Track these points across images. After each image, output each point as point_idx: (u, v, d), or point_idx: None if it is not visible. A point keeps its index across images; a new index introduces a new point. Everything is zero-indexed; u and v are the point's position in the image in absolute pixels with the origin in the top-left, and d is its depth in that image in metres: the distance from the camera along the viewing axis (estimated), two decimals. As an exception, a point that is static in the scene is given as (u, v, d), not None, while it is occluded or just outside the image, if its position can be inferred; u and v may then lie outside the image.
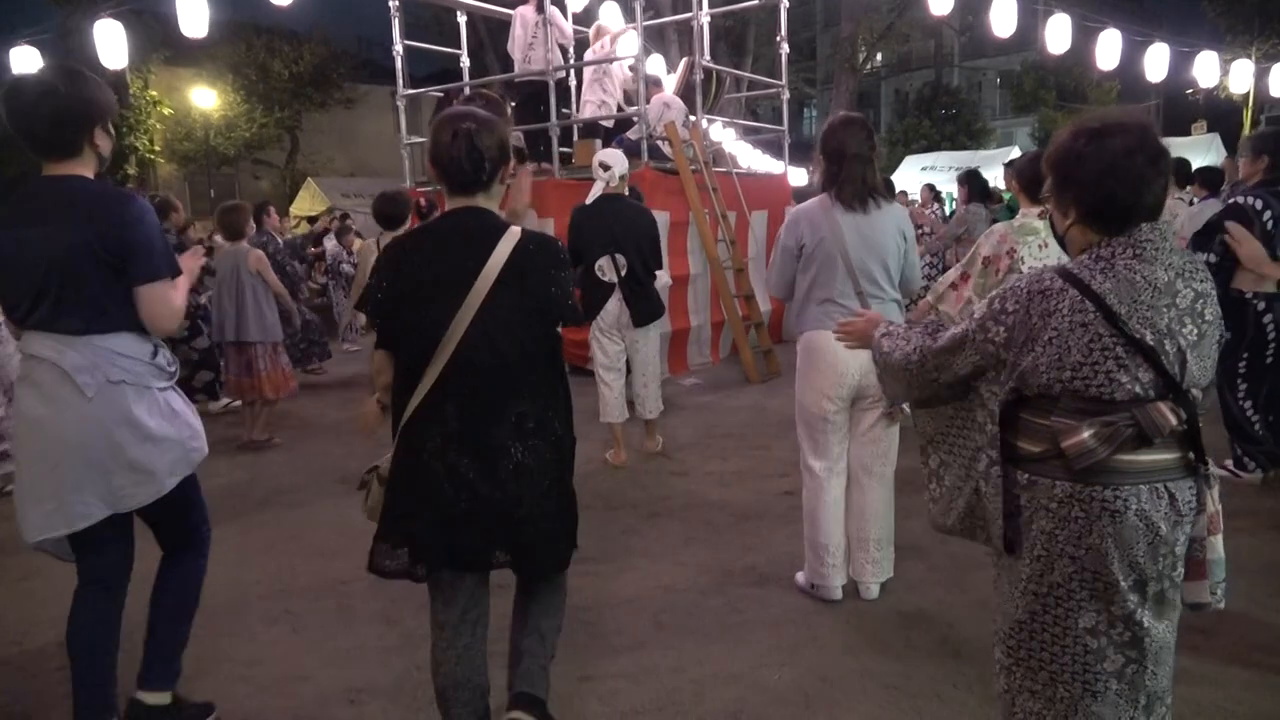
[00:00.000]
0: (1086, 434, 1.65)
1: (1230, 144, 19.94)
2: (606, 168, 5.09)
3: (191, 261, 2.75)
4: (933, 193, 11.24)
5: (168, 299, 2.42)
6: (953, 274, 3.94)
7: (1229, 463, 4.65)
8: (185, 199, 19.64)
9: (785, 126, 10.47)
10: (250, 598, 3.68)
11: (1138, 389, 1.65)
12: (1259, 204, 4.31)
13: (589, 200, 5.08)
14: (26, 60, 7.25)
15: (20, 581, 3.95)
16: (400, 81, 9.74)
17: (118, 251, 2.31)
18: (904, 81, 33.84)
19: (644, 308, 5.20)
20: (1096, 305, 1.65)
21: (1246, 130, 21.26)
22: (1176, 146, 16.73)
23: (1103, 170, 1.67)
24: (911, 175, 19.60)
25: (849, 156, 3.22)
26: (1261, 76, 11.79)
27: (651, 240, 5.23)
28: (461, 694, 2.25)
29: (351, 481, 5.15)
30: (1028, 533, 1.77)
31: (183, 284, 2.52)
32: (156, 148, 21.99)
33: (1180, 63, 9.61)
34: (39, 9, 20.93)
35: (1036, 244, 3.60)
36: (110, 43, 7.28)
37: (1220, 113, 21.99)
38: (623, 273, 5.09)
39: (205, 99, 22.00)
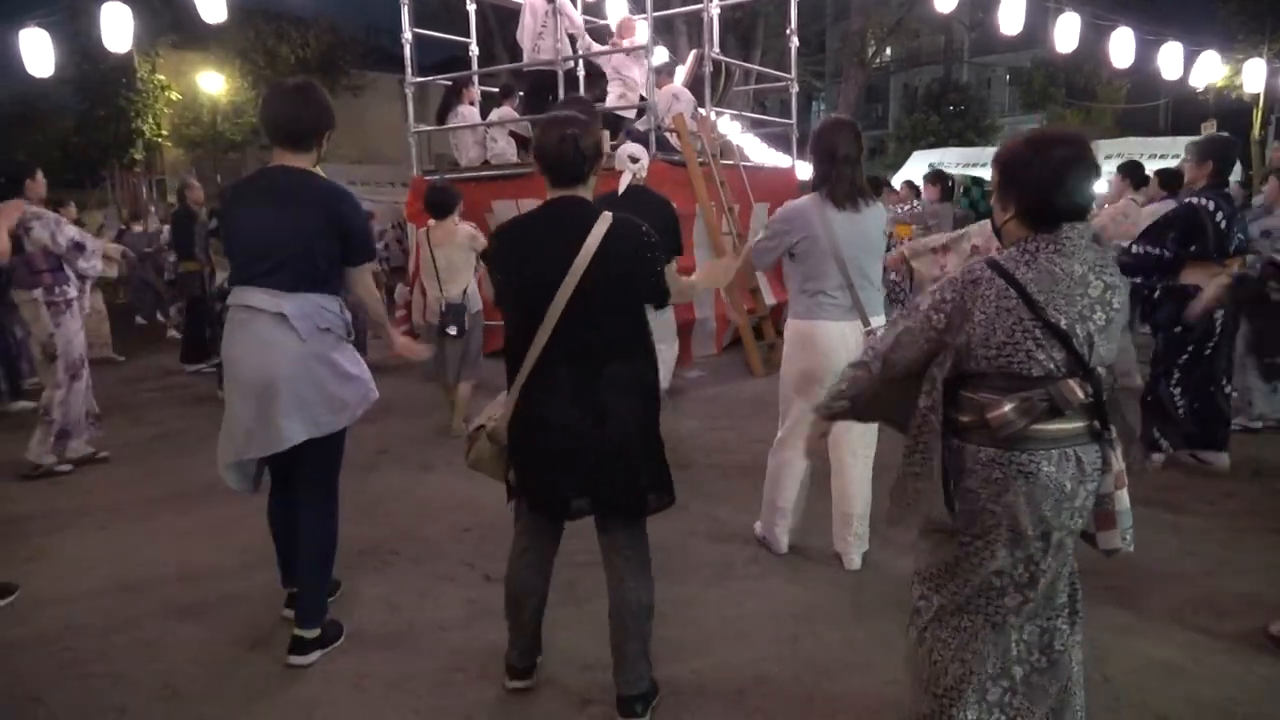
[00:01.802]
0: (1008, 407, 1.95)
1: (1241, 144, 19.87)
2: (635, 159, 5.22)
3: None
4: (912, 188, 11.25)
5: (368, 279, 3.15)
6: (936, 240, 4.15)
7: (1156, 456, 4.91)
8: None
9: (794, 120, 10.45)
10: (263, 572, 3.70)
11: (1051, 366, 1.95)
12: (1212, 205, 4.49)
13: (620, 191, 5.17)
14: (36, 42, 7.24)
15: (26, 563, 3.99)
16: (409, 70, 9.72)
17: (342, 234, 2.94)
18: (913, 76, 33.67)
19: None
20: (1019, 293, 1.94)
21: (1256, 130, 21.18)
22: (1186, 146, 16.66)
23: (1044, 177, 1.97)
24: (919, 171, 19.46)
25: (840, 158, 3.44)
26: (1273, 76, 11.73)
27: (672, 230, 5.34)
28: (529, 600, 2.74)
29: (365, 465, 5.21)
30: (957, 491, 2.06)
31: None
32: (164, 132, 21.97)
33: (1192, 62, 9.56)
34: (47, -9, 20.91)
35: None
36: (116, 25, 7.25)
37: (1231, 112, 21.88)
38: None
39: (213, 83, 21.97)
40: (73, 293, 5.38)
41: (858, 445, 3.65)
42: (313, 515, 3.09)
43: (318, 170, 3.02)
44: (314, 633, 3.05)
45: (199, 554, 4.07)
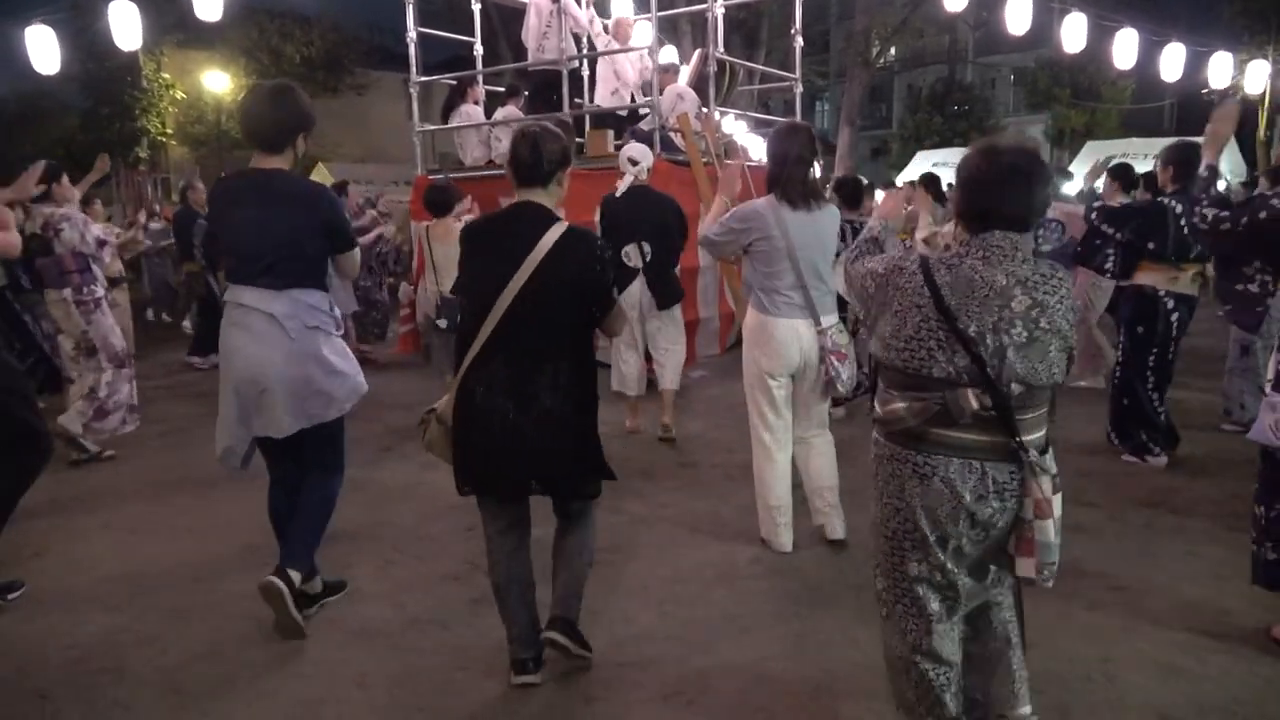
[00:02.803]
0: (900, 404, 2.01)
1: (1246, 145, 19.82)
2: (635, 162, 5.39)
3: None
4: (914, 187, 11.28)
5: (353, 258, 3.31)
6: (923, 230, 4.67)
7: (1127, 456, 5.10)
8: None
9: (798, 119, 10.43)
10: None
11: (951, 370, 1.95)
12: (1179, 208, 4.70)
13: (619, 193, 5.28)
14: (42, 39, 7.25)
15: (34, 558, 4.00)
16: (414, 69, 9.72)
17: (329, 231, 3.11)
18: (917, 76, 33.63)
19: (666, 291, 5.65)
20: (932, 293, 1.97)
21: (1261, 131, 21.13)
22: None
23: (975, 180, 2.01)
24: (923, 170, 19.49)
25: (791, 160, 3.63)
26: (1278, 77, 11.70)
27: (677, 228, 5.65)
28: (512, 588, 2.81)
29: (369, 461, 5.22)
30: (875, 483, 2.14)
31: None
32: (168, 130, 22.01)
33: (1196, 62, 9.54)
34: (52, -12, 20.95)
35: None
36: (125, 24, 7.28)
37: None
38: (647, 259, 5.52)
39: (217, 82, 21.99)
40: (100, 291, 5.55)
41: (811, 428, 3.89)
42: (320, 475, 3.26)
43: (329, 170, 3.21)
44: (297, 574, 3.15)
45: (203, 550, 4.08)
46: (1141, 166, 8.05)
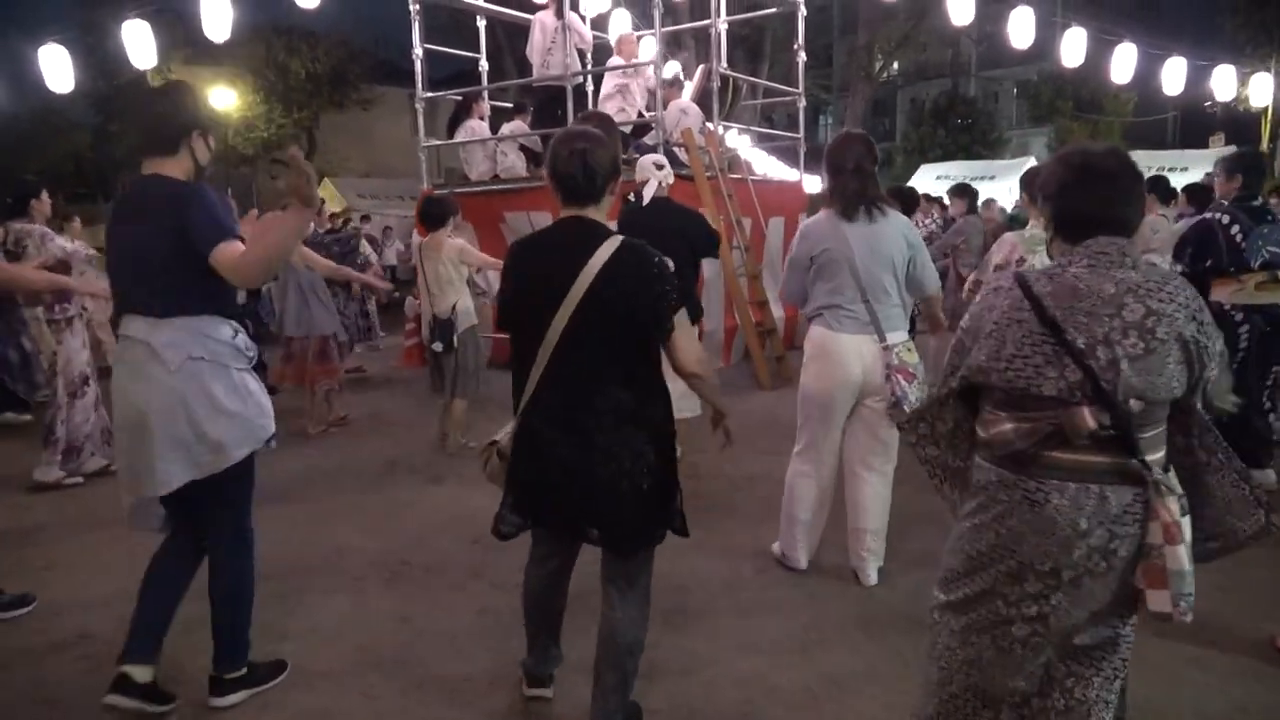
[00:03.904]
0: (1007, 426, 1.86)
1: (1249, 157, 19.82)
2: (661, 166, 5.06)
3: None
4: (930, 201, 11.26)
5: (236, 254, 2.56)
6: (968, 286, 4.02)
7: None
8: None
9: (801, 133, 10.50)
10: (274, 582, 3.73)
11: (1063, 387, 1.79)
12: (1225, 219, 4.56)
13: (644, 200, 5.05)
14: (55, 58, 7.36)
15: (43, 571, 4.03)
16: (419, 84, 9.81)
17: (185, 234, 2.55)
18: (920, 90, 33.77)
19: (687, 308, 5.30)
20: (1033, 305, 1.83)
21: (1265, 143, 21.16)
22: (1194, 159, 16.66)
23: (1068, 184, 1.90)
24: (926, 184, 19.53)
25: (847, 171, 3.44)
26: (1280, 90, 11.73)
27: (702, 243, 5.23)
28: (536, 613, 2.72)
29: (373, 475, 5.24)
30: (970, 502, 2.00)
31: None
32: (176, 146, 22.15)
33: (1198, 75, 9.58)
34: (58, 6, 21.18)
35: (1046, 253, 3.66)
36: (138, 43, 7.39)
37: (1239, 125, 21.88)
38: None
39: (224, 99, 22.15)
40: (72, 310, 5.45)
41: (871, 458, 3.62)
42: (216, 554, 2.82)
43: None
44: (236, 672, 2.86)
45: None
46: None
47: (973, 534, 1.97)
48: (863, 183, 3.44)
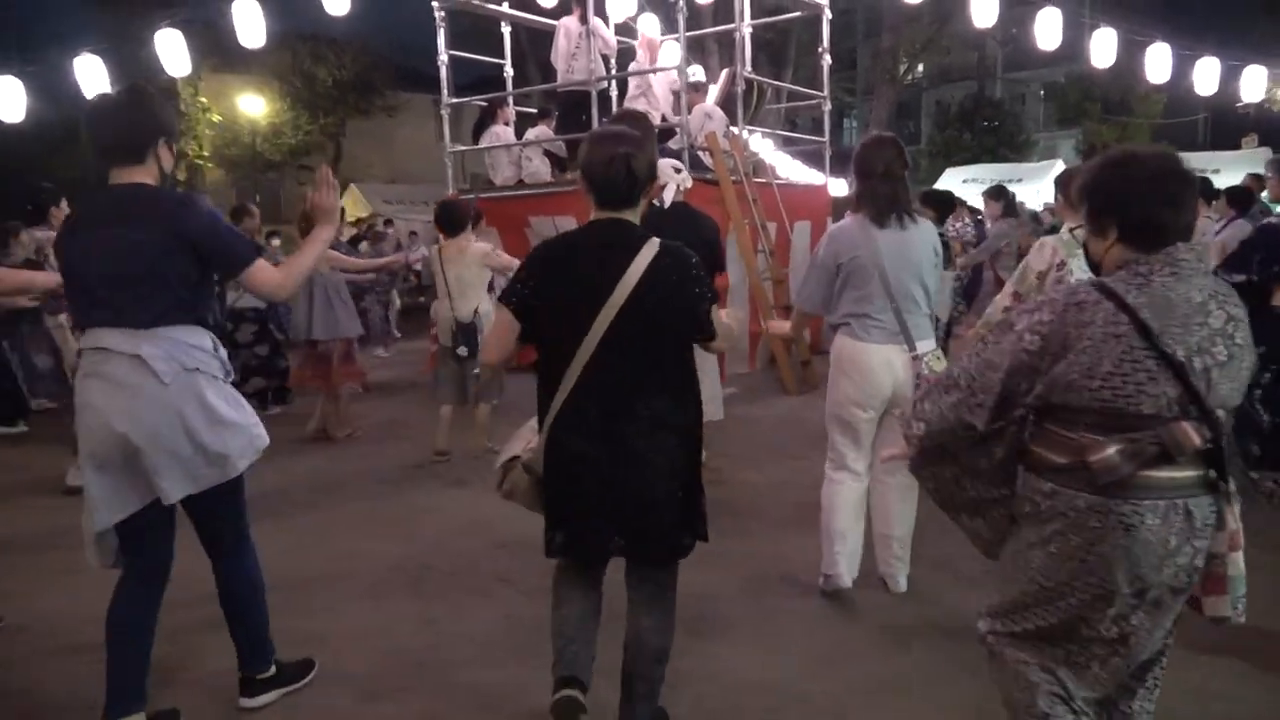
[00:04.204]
0: (1112, 450, 1.72)
1: (1281, 158, 19.48)
2: (679, 170, 5.04)
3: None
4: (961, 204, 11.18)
5: (278, 276, 2.66)
6: (1004, 298, 3.87)
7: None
8: (229, 204, 20.10)
9: (826, 137, 10.47)
10: (297, 586, 3.76)
11: (1163, 404, 1.71)
12: None
13: (667, 204, 5.04)
14: (91, 69, 7.48)
15: (64, 575, 4.04)
16: (445, 91, 9.88)
17: (195, 248, 2.51)
18: (945, 93, 33.56)
19: None
20: (1130, 318, 1.71)
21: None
22: (1226, 161, 16.41)
23: (1141, 189, 1.79)
24: (951, 188, 19.38)
25: (878, 175, 3.37)
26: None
27: (713, 247, 5.20)
28: (572, 647, 2.48)
29: (394, 480, 5.27)
30: (1042, 532, 1.86)
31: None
32: (205, 153, 22.48)
33: (1229, 75, 9.45)
34: (90, 18, 21.52)
35: (1084, 259, 3.56)
36: (172, 52, 7.50)
37: (1272, 126, 21.54)
38: None
39: (253, 106, 22.43)
40: None
41: (898, 467, 3.55)
42: (221, 565, 2.78)
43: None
44: (265, 672, 2.88)
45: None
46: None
47: (1049, 563, 1.85)
48: (894, 188, 3.37)
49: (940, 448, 1.98)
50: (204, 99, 21.99)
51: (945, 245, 5.75)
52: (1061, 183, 4.06)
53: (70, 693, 3.01)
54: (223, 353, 2.67)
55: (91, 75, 7.53)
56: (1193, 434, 1.70)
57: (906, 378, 3.38)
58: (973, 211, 11.72)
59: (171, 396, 2.47)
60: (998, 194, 8.20)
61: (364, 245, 13.27)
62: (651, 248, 2.29)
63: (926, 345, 3.42)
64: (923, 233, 3.46)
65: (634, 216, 2.38)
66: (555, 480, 2.38)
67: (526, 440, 2.46)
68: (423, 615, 3.58)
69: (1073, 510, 1.80)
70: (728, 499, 4.90)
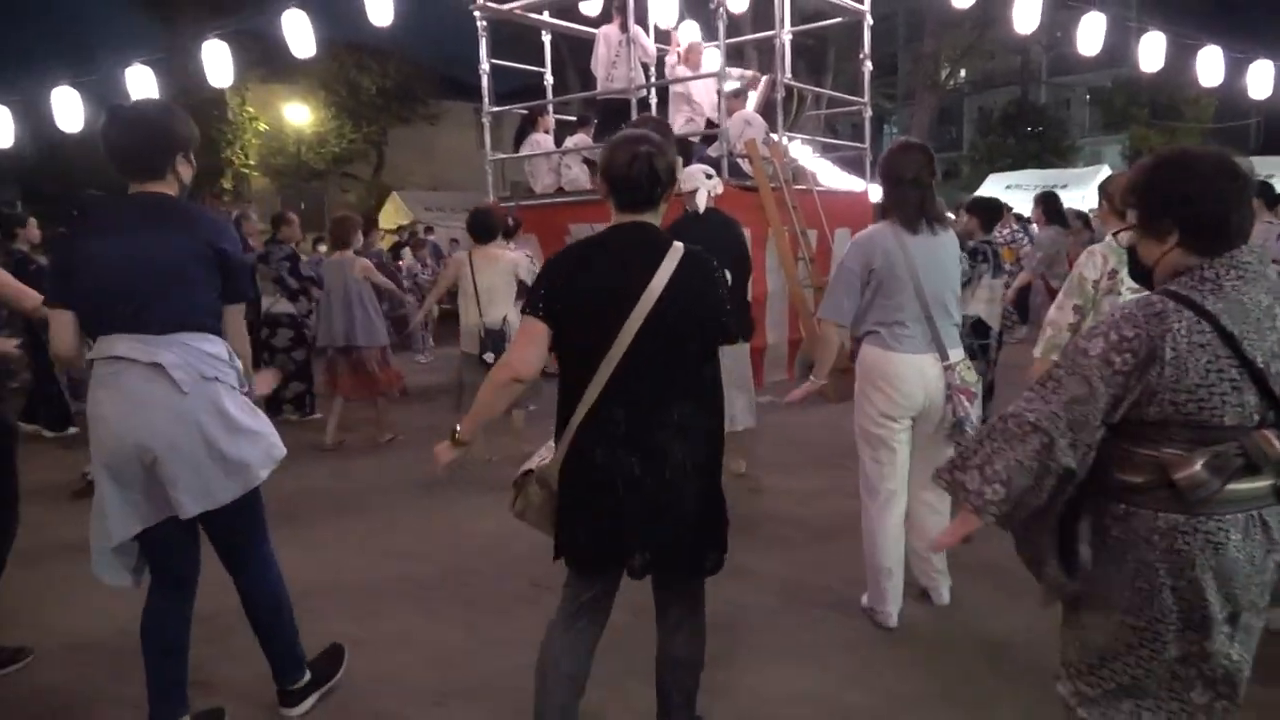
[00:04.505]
0: (1199, 465, 1.64)
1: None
2: (710, 175, 5.00)
3: None
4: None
5: (241, 323, 2.66)
6: (1065, 314, 3.62)
7: None
8: (274, 211, 20.46)
9: (867, 143, 10.40)
10: (332, 596, 3.80)
11: (1245, 413, 1.65)
12: None
13: (700, 209, 5.02)
14: (141, 79, 7.70)
15: (54, 607, 3.96)
16: (486, 99, 9.98)
17: (222, 265, 2.50)
18: (988, 98, 33.16)
19: (737, 322, 5.15)
20: (1213, 326, 1.64)
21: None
22: (1279, 166, 16.01)
23: (1204, 188, 1.71)
24: (994, 194, 19.16)
25: (907, 181, 3.29)
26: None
27: (739, 254, 5.18)
28: (554, 676, 2.40)
29: (434, 485, 5.30)
30: (1122, 564, 1.75)
31: None
32: (251, 162, 22.91)
33: (1282, 79, 9.23)
34: (140, 31, 22.04)
35: (1130, 264, 3.44)
36: (217, 63, 7.68)
37: (1325, 131, 21.03)
38: None
39: (298, 115, 22.83)
40: None
41: (930, 479, 3.50)
42: (242, 581, 2.75)
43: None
44: (300, 681, 2.88)
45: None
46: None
47: (1135, 599, 1.74)
48: (923, 195, 3.30)
49: (1021, 505, 1.77)
50: (250, 108, 22.43)
51: (994, 252, 5.68)
52: (1106, 189, 3.96)
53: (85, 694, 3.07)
54: (238, 362, 2.61)
55: (142, 85, 7.75)
56: (1276, 443, 1.64)
57: (938, 387, 3.31)
58: (1018, 218, 11.56)
59: (190, 406, 2.42)
60: (1042, 200, 8.08)
61: (405, 252, 13.44)
62: (676, 252, 2.25)
63: (958, 354, 3.36)
64: (950, 241, 3.42)
65: (656, 219, 2.33)
66: (575, 490, 2.30)
67: (541, 457, 2.38)
68: (467, 620, 3.60)
69: (1154, 534, 1.71)
70: (768, 508, 4.89)
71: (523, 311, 2.32)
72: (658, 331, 2.20)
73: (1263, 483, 1.68)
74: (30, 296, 3.30)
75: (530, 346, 2.27)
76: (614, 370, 2.19)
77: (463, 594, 3.88)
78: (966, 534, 1.85)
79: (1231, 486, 1.66)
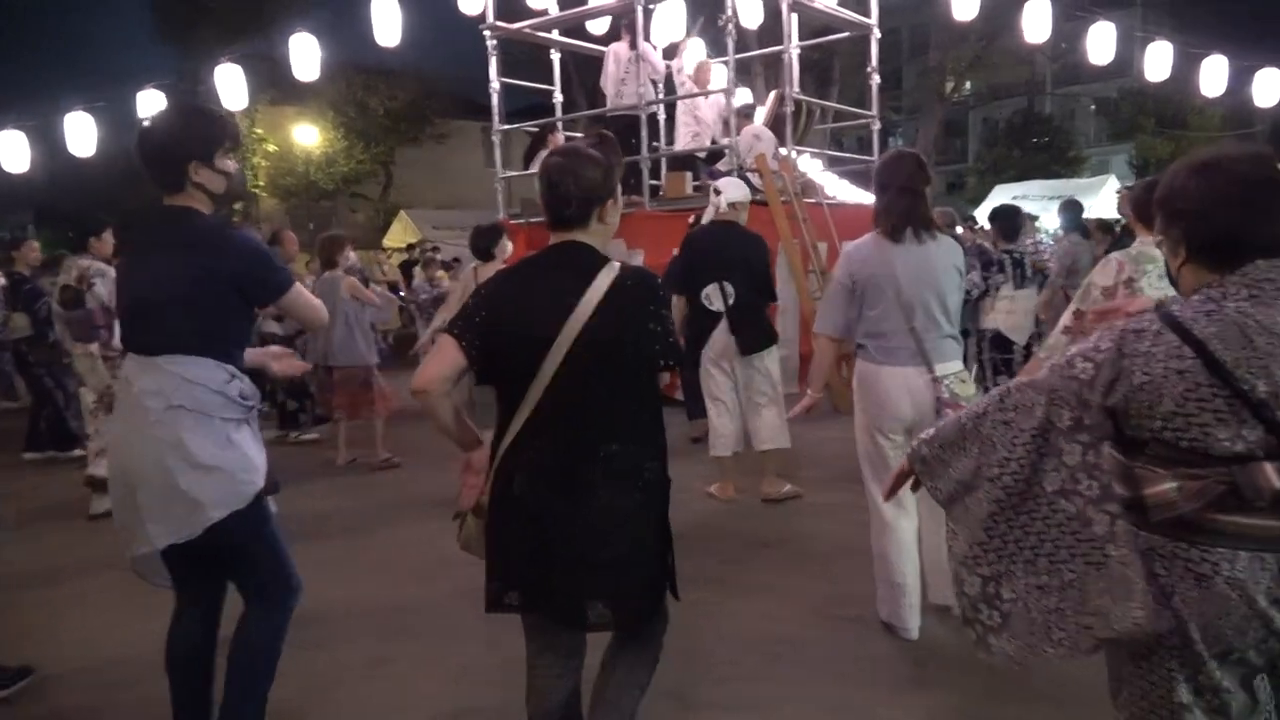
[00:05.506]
0: (1169, 485, 1.53)
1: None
2: (718, 192, 5.08)
3: None
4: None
5: (304, 300, 2.60)
6: (1066, 317, 3.65)
7: None
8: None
9: (875, 156, 10.42)
10: (356, 615, 3.80)
11: (1240, 447, 1.49)
12: None
13: (705, 220, 5.06)
14: (154, 104, 7.78)
15: (57, 628, 3.98)
16: (496, 117, 10.04)
17: (241, 282, 2.41)
18: (993, 109, 33.24)
19: (751, 336, 5.14)
20: (1196, 352, 1.50)
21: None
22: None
23: (1208, 199, 1.57)
24: (1001, 204, 19.16)
25: (894, 188, 3.24)
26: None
27: (763, 268, 5.22)
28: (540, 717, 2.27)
29: (449, 508, 5.29)
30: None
31: None
32: (261, 183, 23.09)
33: (1291, 88, 9.23)
34: (154, 56, 22.24)
35: (1156, 273, 3.32)
36: (230, 86, 7.77)
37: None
38: (730, 301, 5.07)
39: (307, 136, 23.01)
40: None
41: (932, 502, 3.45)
42: (254, 609, 2.54)
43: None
44: None
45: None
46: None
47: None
48: (912, 202, 3.22)
49: (952, 466, 1.80)
50: (260, 130, 22.61)
51: (1016, 263, 5.67)
52: (1134, 197, 3.92)
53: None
54: (240, 387, 2.43)
55: (155, 110, 7.82)
56: (1274, 477, 1.48)
57: (926, 400, 3.22)
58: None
59: (158, 434, 2.31)
60: (1062, 209, 8.09)
61: (416, 270, 13.53)
62: (610, 271, 2.09)
63: (949, 367, 3.27)
64: (944, 249, 3.31)
65: (591, 239, 2.17)
66: (499, 522, 2.15)
67: (479, 490, 2.23)
68: (487, 636, 3.57)
69: (1142, 555, 1.58)
70: (790, 521, 4.87)
71: (441, 328, 2.17)
72: (590, 357, 2.04)
73: (1271, 521, 1.50)
74: None
75: (433, 363, 2.12)
76: (541, 396, 2.05)
77: (481, 610, 3.85)
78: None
79: (1229, 518, 1.52)
